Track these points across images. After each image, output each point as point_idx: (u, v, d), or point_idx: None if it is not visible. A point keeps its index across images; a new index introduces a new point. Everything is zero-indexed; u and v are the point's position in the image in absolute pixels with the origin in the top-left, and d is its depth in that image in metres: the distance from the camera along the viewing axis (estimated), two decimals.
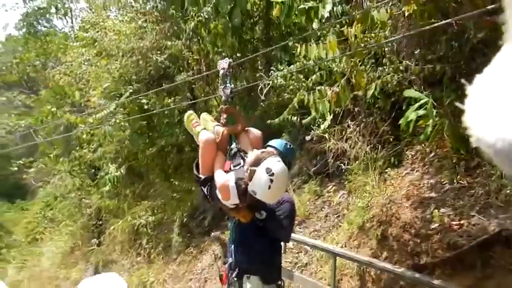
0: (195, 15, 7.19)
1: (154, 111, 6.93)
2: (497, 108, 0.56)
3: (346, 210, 6.37)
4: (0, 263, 15.16)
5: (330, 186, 6.84)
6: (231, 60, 3.26)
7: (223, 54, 8.63)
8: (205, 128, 3.14)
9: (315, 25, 4.62)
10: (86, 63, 8.55)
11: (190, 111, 3.42)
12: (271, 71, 6.28)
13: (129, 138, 7.82)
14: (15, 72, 15.31)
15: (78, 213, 11.06)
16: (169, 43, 7.54)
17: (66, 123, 9.35)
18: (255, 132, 3.15)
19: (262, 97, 6.04)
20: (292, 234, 6.22)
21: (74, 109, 9.63)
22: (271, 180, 2.48)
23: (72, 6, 12.89)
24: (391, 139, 5.93)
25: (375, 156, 5.91)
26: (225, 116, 3.04)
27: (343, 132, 6.60)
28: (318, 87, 4.75)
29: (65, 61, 9.47)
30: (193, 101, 7.48)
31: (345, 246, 5.60)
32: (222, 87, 3.12)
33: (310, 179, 7.19)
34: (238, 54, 8.66)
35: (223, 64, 3.22)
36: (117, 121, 7.22)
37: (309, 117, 6.36)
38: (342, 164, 6.58)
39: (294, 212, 3.39)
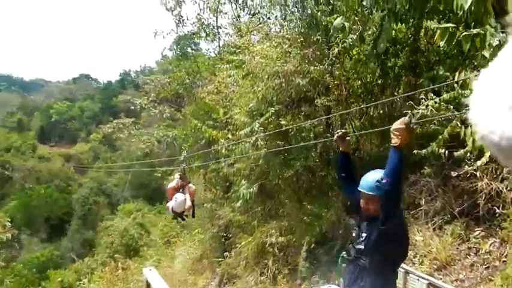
0: (340, 41, 7.21)
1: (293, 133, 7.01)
2: (502, 106, 0.56)
3: (499, 262, 5.59)
4: (140, 259, 16.92)
5: (478, 232, 6.12)
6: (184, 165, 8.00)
7: (363, 80, 8.46)
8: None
9: (486, 53, 4.17)
10: (234, 83, 9.13)
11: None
12: (422, 100, 5.86)
13: (264, 157, 8.03)
14: (167, 89, 17.26)
15: (209, 223, 11.71)
16: (311, 68, 7.65)
17: (208, 137, 10.09)
18: (192, 186, 7.75)
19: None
20: (434, 280, 5.63)
21: (216, 124, 10.32)
22: None
23: (220, 31, 13.97)
24: None
25: None
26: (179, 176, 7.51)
27: (498, 171, 5.86)
28: None
29: (215, 81, 10.26)
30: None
31: None
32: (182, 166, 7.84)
33: (453, 220, 6.51)
34: (379, 81, 8.38)
35: (180, 168, 7.74)
36: (258, 139, 7.51)
37: (462, 151, 5.76)
38: (495, 207, 5.85)
39: None
